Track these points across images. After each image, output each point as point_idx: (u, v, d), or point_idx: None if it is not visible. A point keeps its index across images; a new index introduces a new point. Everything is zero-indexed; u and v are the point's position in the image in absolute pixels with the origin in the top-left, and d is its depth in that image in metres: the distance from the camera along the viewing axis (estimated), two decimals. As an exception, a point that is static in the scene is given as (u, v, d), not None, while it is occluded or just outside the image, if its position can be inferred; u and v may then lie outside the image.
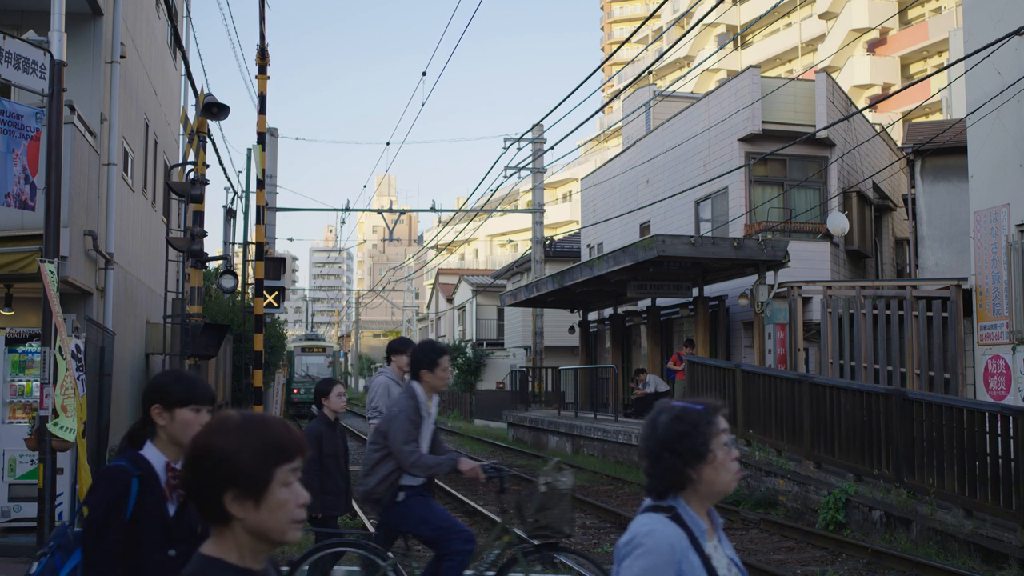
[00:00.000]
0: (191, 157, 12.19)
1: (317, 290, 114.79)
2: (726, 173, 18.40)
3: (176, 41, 16.90)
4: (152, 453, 2.84)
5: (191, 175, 11.96)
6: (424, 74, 31.64)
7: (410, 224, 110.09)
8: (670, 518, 2.19)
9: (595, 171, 28.70)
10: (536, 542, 5.39)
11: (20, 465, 9.24)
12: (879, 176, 21.24)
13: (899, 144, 21.76)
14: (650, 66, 31.49)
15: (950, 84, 21.47)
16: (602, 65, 19.57)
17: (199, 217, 12.23)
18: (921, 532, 9.24)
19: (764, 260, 15.59)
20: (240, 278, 17.73)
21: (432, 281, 56.05)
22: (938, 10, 44.52)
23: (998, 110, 12.51)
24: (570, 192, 59.50)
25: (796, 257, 16.30)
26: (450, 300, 46.93)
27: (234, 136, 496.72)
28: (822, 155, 19.20)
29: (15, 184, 7.96)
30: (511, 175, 26.14)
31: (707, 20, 32.65)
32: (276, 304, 16.36)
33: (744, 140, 18.97)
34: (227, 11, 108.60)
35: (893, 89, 40.85)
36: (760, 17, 24.08)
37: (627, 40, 15.64)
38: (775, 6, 21.77)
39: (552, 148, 23.88)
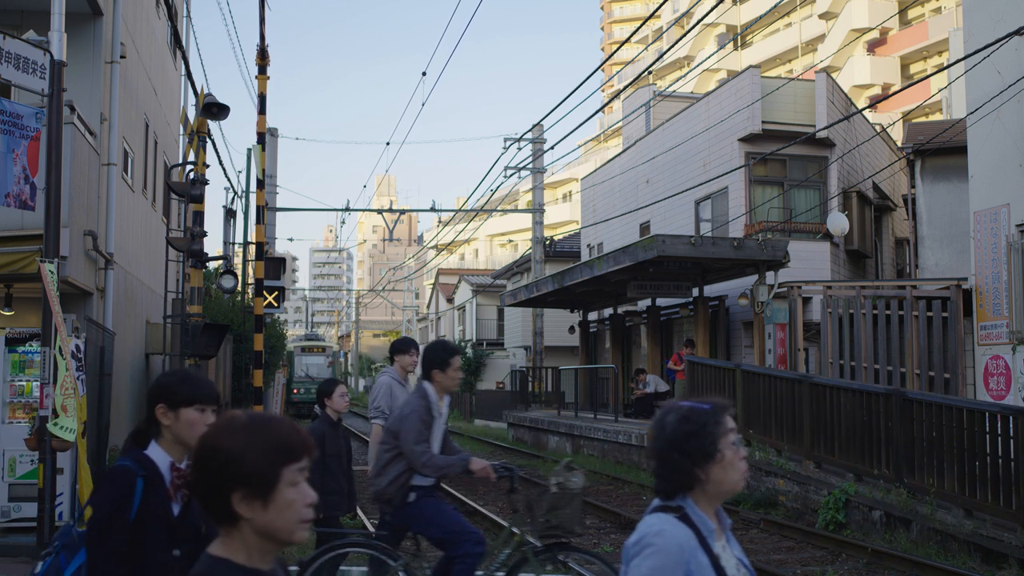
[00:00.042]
0: (191, 157, 12.19)
1: (317, 290, 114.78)
2: (726, 173, 18.40)
3: (176, 41, 16.90)
4: (157, 453, 2.83)
5: (191, 175, 11.96)
6: (424, 74, 31.65)
7: (410, 224, 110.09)
8: (678, 518, 2.19)
9: (595, 171, 28.70)
10: (547, 542, 5.39)
11: (20, 465, 9.25)
12: (879, 176, 21.24)
13: (899, 144, 21.76)
14: (650, 66, 31.49)
15: (950, 84, 21.47)
16: (602, 65, 19.58)
17: (199, 217, 12.23)
18: (921, 532, 9.24)
19: (764, 260, 15.59)
20: (240, 278, 17.73)
21: (432, 281, 56.05)
22: (938, 10, 44.53)
23: (998, 110, 12.51)
24: (570, 192, 59.50)
25: (796, 257, 16.30)
26: (450, 300, 46.93)
27: (234, 136, 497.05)
28: (822, 155, 19.20)
29: (15, 184, 7.97)
30: (511, 175, 26.14)
31: (707, 20, 32.65)
32: (276, 304, 16.36)
33: (744, 140, 18.97)
34: (227, 11, 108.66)
35: (893, 89, 40.85)
36: (760, 17, 24.08)
37: (627, 40, 15.64)
38: (775, 6, 21.77)
39: (552, 148, 23.89)
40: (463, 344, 38.96)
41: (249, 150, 21.87)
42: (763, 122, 18.65)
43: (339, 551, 5.86)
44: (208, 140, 12.59)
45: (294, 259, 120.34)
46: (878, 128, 22.19)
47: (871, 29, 42.54)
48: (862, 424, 10.56)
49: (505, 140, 25.33)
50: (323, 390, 6.63)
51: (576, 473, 5.42)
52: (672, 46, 16.21)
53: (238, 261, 23.28)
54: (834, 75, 35.78)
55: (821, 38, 49.60)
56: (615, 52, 16.45)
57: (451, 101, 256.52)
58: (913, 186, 17.46)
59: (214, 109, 11.84)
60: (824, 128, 17.83)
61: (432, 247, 54.08)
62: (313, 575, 5.73)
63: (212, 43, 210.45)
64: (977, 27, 12.88)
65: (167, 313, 12.82)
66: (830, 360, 14.94)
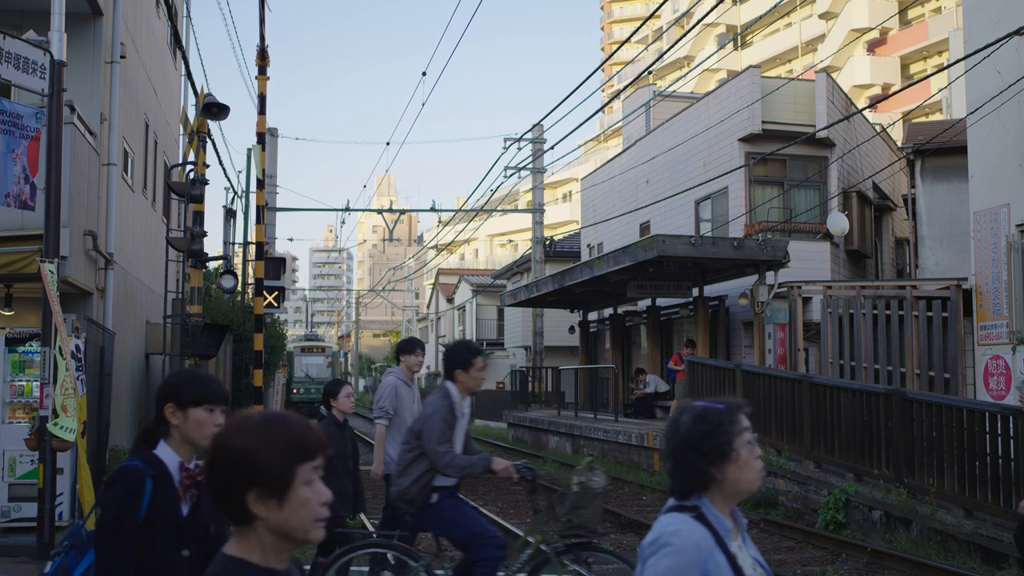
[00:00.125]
0: (191, 157, 12.19)
1: (317, 290, 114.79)
2: (726, 173, 18.40)
3: (176, 41, 16.91)
4: (166, 453, 2.83)
5: (191, 175, 11.97)
6: (424, 74, 31.68)
7: (410, 224, 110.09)
8: (694, 518, 2.19)
9: (595, 171, 28.70)
10: (568, 541, 5.39)
11: (20, 465, 9.25)
12: (879, 176, 21.24)
13: (899, 144, 21.76)
14: (650, 66, 31.49)
15: (950, 84, 21.48)
16: (602, 65, 19.58)
17: (199, 217, 12.24)
18: (921, 532, 9.24)
19: (764, 260, 15.59)
20: (240, 278, 17.74)
21: (432, 281, 56.05)
22: (938, 10, 44.53)
23: (998, 110, 12.51)
24: (570, 192, 59.51)
25: (796, 257, 16.30)
26: (450, 300, 46.94)
27: (234, 136, 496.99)
28: (822, 155, 19.20)
29: (15, 184, 7.97)
30: (511, 175, 26.14)
31: (707, 20, 32.64)
32: (276, 304, 16.36)
33: (744, 140, 18.97)
34: (227, 11, 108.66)
35: (893, 89, 40.85)
36: (760, 17, 24.09)
37: (627, 40, 15.64)
38: (775, 6, 21.78)
39: (552, 148, 23.90)
40: (463, 344, 38.88)
41: (249, 150, 21.88)
42: (763, 122, 18.65)
43: (359, 552, 5.85)
44: (208, 140, 12.60)
45: (294, 259, 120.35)
46: (878, 128, 22.19)
47: (871, 29, 42.55)
48: (862, 424, 10.56)
49: (505, 140, 25.34)
50: (329, 391, 6.63)
51: (597, 472, 5.42)
52: (672, 46, 16.21)
53: (238, 261, 23.28)
54: (834, 75, 35.77)
55: (821, 38, 49.61)
56: (615, 52, 16.46)
57: (451, 101, 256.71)
58: (913, 186, 17.46)
59: (214, 109, 11.85)
60: (824, 128, 17.83)
61: (432, 247, 54.08)
62: (336, 573, 5.73)
63: (212, 43, 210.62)
64: (977, 27, 12.88)
65: (167, 313, 12.83)
66: (830, 360, 14.94)
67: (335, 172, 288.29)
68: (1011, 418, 8.44)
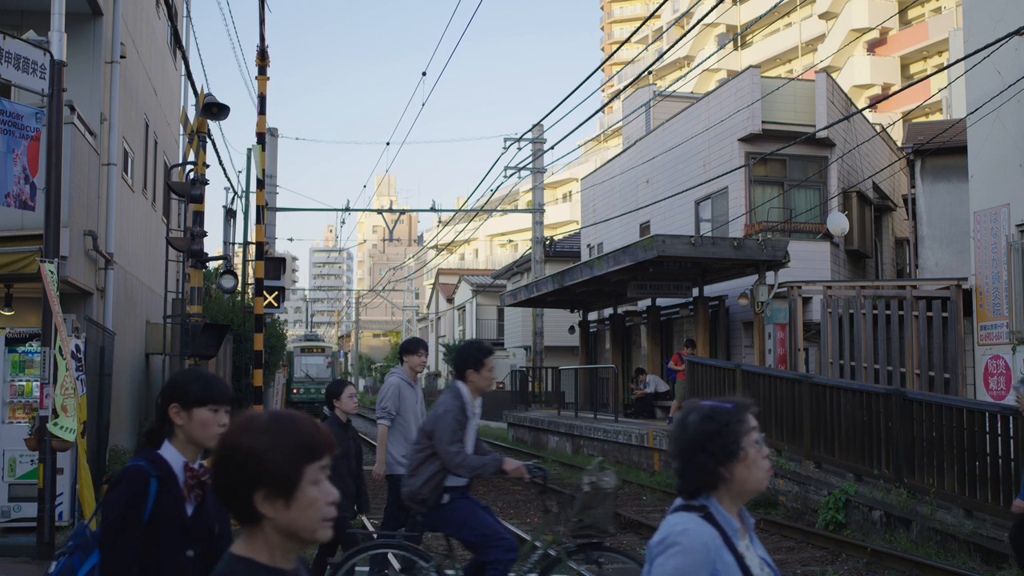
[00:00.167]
0: (191, 157, 12.19)
1: (317, 290, 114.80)
2: (726, 173, 18.40)
3: (176, 41, 16.91)
4: (170, 453, 2.82)
5: (191, 175, 11.96)
6: (424, 74, 31.66)
7: (410, 224, 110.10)
8: (702, 517, 2.19)
9: (595, 171, 28.70)
10: (580, 542, 5.37)
11: (20, 465, 9.25)
12: (879, 176, 21.24)
13: (899, 144, 21.76)
14: (650, 66, 31.48)
15: (950, 84, 21.48)
16: (602, 65, 19.57)
17: (199, 217, 12.23)
18: (921, 532, 9.24)
19: (764, 260, 15.59)
20: (240, 278, 17.73)
21: (432, 281, 56.07)
22: (938, 10, 44.53)
23: (998, 110, 12.51)
24: (570, 192, 59.51)
25: (796, 257, 16.30)
26: (450, 300, 46.94)
27: (234, 136, 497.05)
28: (822, 155, 19.20)
29: (15, 184, 7.97)
30: (511, 175, 26.14)
31: (707, 20, 32.64)
32: (276, 304, 16.35)
33: (744, 140, 18.98)
34: (227, 11, 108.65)
35: (893, 89, 40.85)
36: (760, 17, 24.09)
37: (627, 40, 15.64)
38: (775, 6, 21.78)
39: (552, 148, 23.90)
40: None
41: (249, 150, 21.87)
42: (763, 122, 18.65)
43: (370, 552, 5.85)
44: (208, 140, 12.60)
45: (294, 259, 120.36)
46: (878, 128, 22.19)
47: (871, 29, 42.55)
48: (862, 424, 10.56)
49: (505, 140, 25.34)
50: (332, 391, 6.62)
51: (608, 473, 5.41)
52: (672, 46, 16.21)
53: (238, 261, 23.28)
54: (834, 75, 35.77)
55: (821, 38, 49.61)
56: (615, 52, 16.46)
57: (451, 101, 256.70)
58: (913, 186, 17.46)
59: (214, 109, 11.84)
60: (824, 128, 17.83)
61: (432, 247, 54.08)
62: (349, 573, 5.73)
63: (212, 43, 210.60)
64: (977, 27, 12.87)
65: (167, 313, 12.82)
66: (830, 360, 14.94)
67: (335, 172, 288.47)
68: (1011, 418, 8.44)
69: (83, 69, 11.03)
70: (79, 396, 8.07)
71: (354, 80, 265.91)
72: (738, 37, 54.65)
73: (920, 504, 9.37)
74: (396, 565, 7.16)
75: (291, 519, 1.71)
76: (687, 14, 55.10)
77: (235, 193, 21.81)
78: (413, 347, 7.24)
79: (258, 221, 14.81)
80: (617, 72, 65.97)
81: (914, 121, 24.11)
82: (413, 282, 64.80)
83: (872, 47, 46.23)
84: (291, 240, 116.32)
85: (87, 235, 10.67)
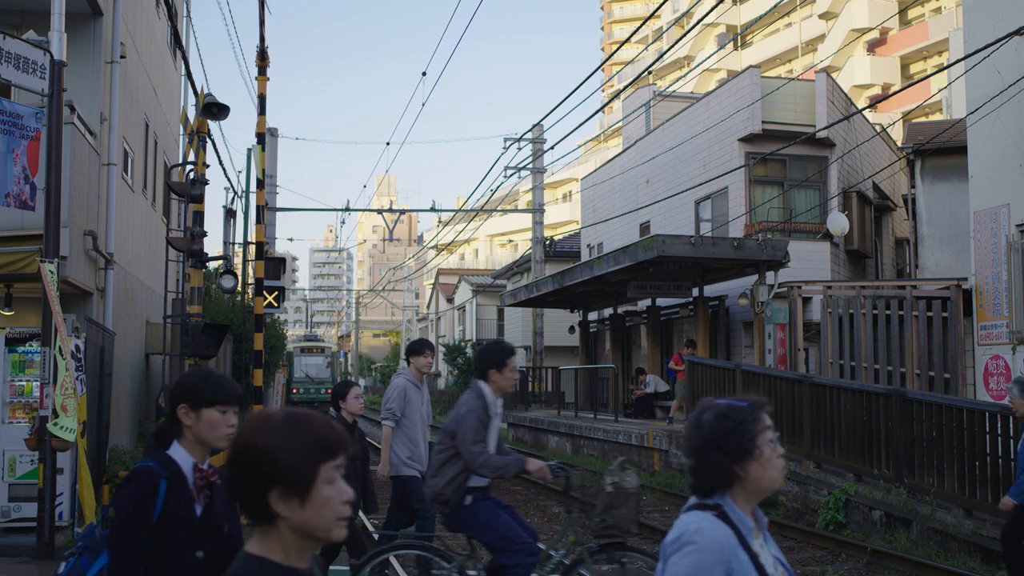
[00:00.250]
0: (191, 157, 12.18)
1: (317, 290, 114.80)
2: (726, 173, 18.40)
3: (176, 41, 16.91)
4: (179, 453, 2.82)
5: (191, 175, 11.96)
6: (424, 74, 31.61)
7: (410, 224, 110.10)
8: (717, 516, 2.18)
9: (595, 171, 28.70)
10: (603, 542, 5.36)
11: (20, 465, 9.25)
12: (879, 176, 21.24)
13: (899, 144, 21.76)
14: (650, 66, 31.46)
15: (950, 84, 21.48)
16: (602, 65, 19.57)
17: (199, 217, 12.23)
18: (921, 532, 9.24)
19: (764, 260, 15.59)
20: (240, 278, 17.72)
21: (432, 281, 56.05)
22: (938, 10, 44.53)
23: (998, 110, 12.51)
24: (570, 192, 59.50)
25: (796, 257, 16.30)
26: (450, 300, 46.94)
27: (234, 136, 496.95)
28: (822, 155, 19.20)
29: (15, 184, 7.97)
30: (511, 175, 26.14)
31: (707, 20, 32.64)
32: (276, 304, 16.34)
33: (744, 140, 18.98)
34: (227, 11, 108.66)
35: (893, 89, 40.85)
36: (760, 17, 24.08)
37: (627, 40, 15.63)
38: (775, 6, 21.77)
39: (552, 148, 23.89)
40: (463, 344, 38.99)
41: (249, 150, 21.87)
42: (763, 122, 18.65)
43: (392, 553, 5.84)
44: (208, 140, 12.59)
45: (294, 259, 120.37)
46: (878, 128, 22.19)
47: (871, 29, 42.54)
48: (862, 424, 10.56)
49: (505, 140, 25.33)
50: (338, 392, 6.61)
51: (630, 472, 5.39)
52: (672, 46, 16.20)
53: (238, 261, 23.28)
54: (834, 75, 35.78)
55: (821, 38, 49.61)
56: (615, 52, 16.45)
57: (451, 101, 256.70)
58: (913, 186, 17.46)
59: (214, 109, 11.84)
60: (824, 128, 17.83)
61: (432, 247, 54.08)
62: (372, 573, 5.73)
63: (212, 43, 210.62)
64: (977, 27, 12.87)
65: (167, 313, 12.82)
66: (830, 360, 14.94)
67: (335, 172, 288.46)
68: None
69: (83, 69, 11.03)
70: (79, 396, 8.07)
71: (354, 80, 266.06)
72: (738, 37, 54.66)
73: (920, 504, 9.37)
74: (398, 567, 7.15)
75: (306, 518, 1.70)
76: (687, 14, 55.10)
77: (235, 193, 21.81)
78: (419, 348, 7.24)
79: (258, 221, 14.80)
80: (617, 72, 65.98)
81: (914, 121, 24.11)
82: (413, 282, 64.78)
83: (872, 47, 46.23)
84: (291, 240, 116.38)
85: (87, 235, 10.67)
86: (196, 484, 2.80)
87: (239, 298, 21.22)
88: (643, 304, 22.16)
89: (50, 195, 8.15)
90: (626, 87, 36.14)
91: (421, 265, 58.06)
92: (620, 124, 30.05)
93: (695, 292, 18.33)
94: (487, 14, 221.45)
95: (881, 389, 10.81)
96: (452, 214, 34.31)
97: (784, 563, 2.30)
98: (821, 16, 50.56)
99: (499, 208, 40.51)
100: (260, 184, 14.67)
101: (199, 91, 12.43)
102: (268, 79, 14.67)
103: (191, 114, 14.03)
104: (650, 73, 42.97)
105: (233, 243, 21.47)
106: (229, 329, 15.24)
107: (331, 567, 6.45)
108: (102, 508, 8.41)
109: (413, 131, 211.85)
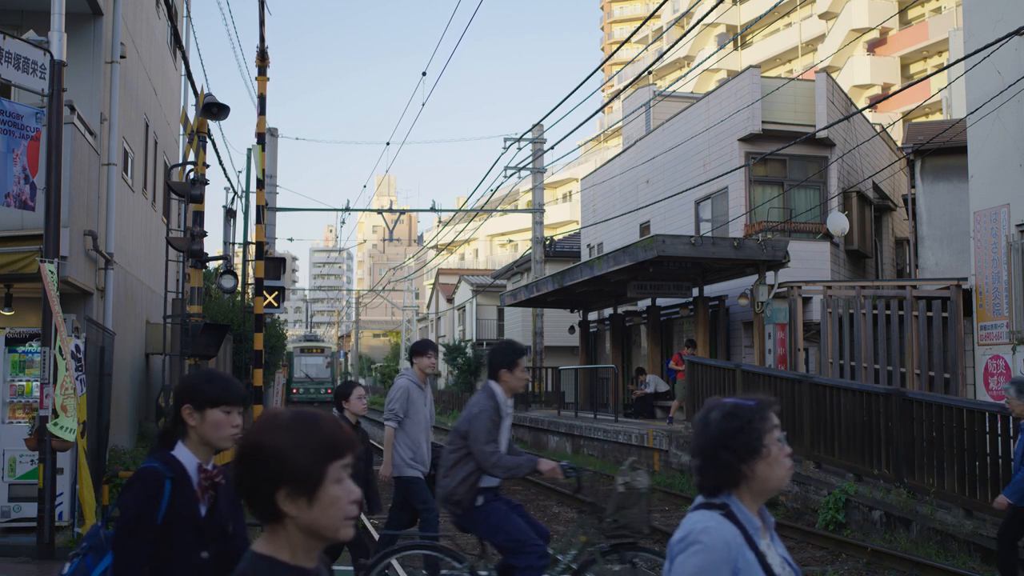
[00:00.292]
0: (191, 157, 12.18)
1: (317, 290, 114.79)
2: (726, 173, 18.40)
3: (176, 41, 16.91)
4: (183, 454, 2.82)
5: (191, 175, 11.96)
6: (424, 74, 31.58)
7: (410, 224, 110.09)
8: (724, 515, 2.17)
9: (595, 171, 28.70)
10: (614, 542, 5.36)
11: (20, 465, 9.24)
12: (879, 176, 21.24)
13: (899, 144, 21.75)
14: (650, 66, 31.46)
15: (950, 84, 21.48)
16: (602, 65, 19.56)
17: (199, 217, 12.23)
18: (921, 532, 9.24)
19: (764, 260, 15.59)
20: (240, 278, 17.72)
21: (432, 281, 56.04)
22: (938, 10, 44.53)
23: (998, 110, 12.51)
24: (570, 192, 59.50)
25: (796, 257, 16.30)
26: (450, 300, 46.93)
27: (234, 136, 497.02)
28: (822, 155, 19.20)
29: (15, 184, 7.97)
30: (511, 175, 26.14)
31: (707, 20, 32.65)
32: (276, 304, 16.34)
33: (744, 140, 18.98)
34: (227, 11, 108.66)
35: (893, 89, 40.85)
36: (760, 17, 24.07)
37: (627, 40, 15.63)
38: (775, 6, 21.76)
39: (552, 148, 23.89)
40: (463, 344, 39.00)
41: (249, 150, 21.86)
42: (763, 122, 18.65)
43: (402, 553, 5.84)
44: (208, 140, 12.59)
45: (294, 259, 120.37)
46: (878, 128, 22.19)
47: (871, 29, 42.54)
48: (862, 424, 10.56)
49: (505, 140, 25.33)
50: (341, 392, 6.62)
51: (641, 473, 5.39)
52: (672, 46, 16.20)
53: (238, 261, 23.27)
54: (834, 75, 35.78)
55: (821, 38, 49.61)
56: (615, 52, 16.44)
57: (451, 101, 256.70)
58: (913, 186, 17.46)
59: (214, 109, 11.84)
60: (824, 128, 17.83)
61: (432, 247, 54.08)
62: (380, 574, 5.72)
63: (212, 43, 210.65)
64: (977, 27, 12.87)
65: (167, 313, 12.82)
66: (830, 360, 14.94)
67: (335, 172, 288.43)
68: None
69: (83, 69, 11.03)
70: (79, 396, 8.07)
71: (354, 80, 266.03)
72: (738, 37, 54.65)
73: (920, 504, 9.37)
74: (398, 568, 7.15)
75: (314, 518, 1.70)
76: (687, 14, 55.10)
77: (235, 193, 21.81)
78: (423, 349, 7.24)
79: (258, 221, 14.80)
80: (617, 72, 65.97)
81: (914, 121, 24.11)
82: (413, 282, 64.76)
83: (872, 47, 46.24)
84: (291, 240, 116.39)
85: (87, 235, 10.67)
86: (200, 484, 2.80)
87: (239, 298, 21.22)
88: (643, 304, 22.16)
89: (50, 195, 8.15)
90: (626, 87, 36.14)
91: (421, 265, 58.06)
92: (620, 124, 30.05)
93: (695, 292, 18.33)
94: (487, 14, 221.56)
95: (881, 389, 10.82)
96: (452, 214, 34.31)
97: (791, 563, 2.29)
98: (821, 16, 50.56)
99: (499, 208, 40.51)
100: (260, 184, 14.67)
101: (199, 91, 12.43)
102: (268, 79, 14.67)
103: (191, 114, 14.04)
104: (650, 73, 42.97)
105: (233, 243, 21.47)
106: (229, 329, 15.24)
107: (332, 567, 6.45)
108: (102, 508, 8.42)
109: (413, 131, 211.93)
